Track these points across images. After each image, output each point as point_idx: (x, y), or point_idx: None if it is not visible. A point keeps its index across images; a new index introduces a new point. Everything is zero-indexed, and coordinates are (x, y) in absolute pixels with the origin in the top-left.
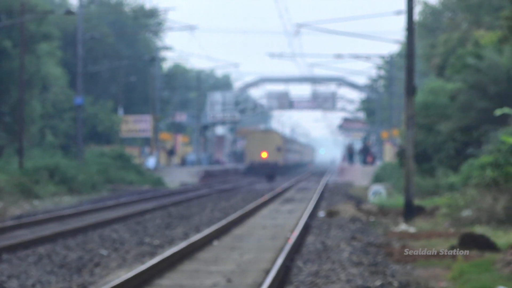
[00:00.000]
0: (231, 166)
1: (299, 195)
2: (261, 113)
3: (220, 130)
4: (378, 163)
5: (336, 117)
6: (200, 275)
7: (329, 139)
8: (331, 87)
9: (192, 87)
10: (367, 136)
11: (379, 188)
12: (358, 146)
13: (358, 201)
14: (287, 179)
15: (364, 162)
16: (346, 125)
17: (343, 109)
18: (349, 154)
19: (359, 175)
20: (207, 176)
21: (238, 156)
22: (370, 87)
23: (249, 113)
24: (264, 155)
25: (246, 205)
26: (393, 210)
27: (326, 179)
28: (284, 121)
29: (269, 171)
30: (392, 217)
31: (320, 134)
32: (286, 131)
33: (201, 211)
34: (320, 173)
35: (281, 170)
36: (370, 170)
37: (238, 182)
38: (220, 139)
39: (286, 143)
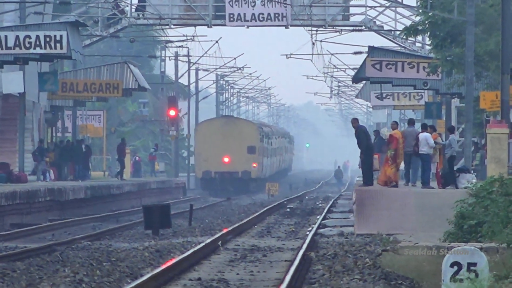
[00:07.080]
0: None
1: (244, 272)
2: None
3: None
4: (466, 181)
5: (342, 49)
6: None
7: (320, 115)
8: None
9: None
10: (433, 104)
11: (469, 254)
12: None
13: None
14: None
15: (367, 177)
16: (373, 71)
17: (360, 26)
18: (413, 161)
19: (412, 215)
20: None
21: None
22: None
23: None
24: (226, 159)
25: None
26: None
27: (318, 224)
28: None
29: (234, 187)
30: None
31: (303, 103)
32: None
33: None
34: (306, 207)
35: (254, 185)
36: (442, 201)
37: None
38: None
39: (264, 138)
